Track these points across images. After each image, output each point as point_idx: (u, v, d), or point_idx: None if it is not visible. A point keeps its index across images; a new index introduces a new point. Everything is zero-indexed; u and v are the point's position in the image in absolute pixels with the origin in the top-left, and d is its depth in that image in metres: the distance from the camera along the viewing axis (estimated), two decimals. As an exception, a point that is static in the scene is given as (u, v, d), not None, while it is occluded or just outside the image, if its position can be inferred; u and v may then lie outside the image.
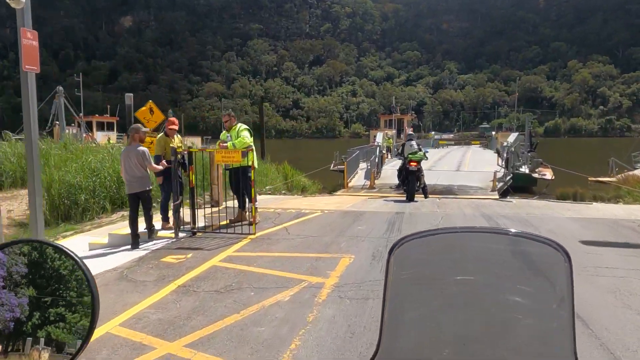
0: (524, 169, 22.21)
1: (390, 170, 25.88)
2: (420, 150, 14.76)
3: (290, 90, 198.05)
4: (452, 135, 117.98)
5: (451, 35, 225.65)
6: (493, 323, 1.26)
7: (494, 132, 59.91)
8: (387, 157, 31.07)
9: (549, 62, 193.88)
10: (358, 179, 22.05)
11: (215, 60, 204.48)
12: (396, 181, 18.02)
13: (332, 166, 26.12)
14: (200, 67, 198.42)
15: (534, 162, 24.55)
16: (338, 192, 18.77)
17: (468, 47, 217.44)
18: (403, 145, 15.59)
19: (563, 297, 1.20)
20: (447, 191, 18.08)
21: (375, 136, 30.23)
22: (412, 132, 19.56)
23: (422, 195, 15.04)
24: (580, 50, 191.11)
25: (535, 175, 22.82)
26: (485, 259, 1.32)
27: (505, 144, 24.53)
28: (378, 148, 23.44)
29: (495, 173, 19.24)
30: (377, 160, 22.60)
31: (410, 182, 14.11)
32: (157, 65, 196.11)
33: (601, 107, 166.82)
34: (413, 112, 66.36)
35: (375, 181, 20.90)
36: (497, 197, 16.20)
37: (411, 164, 13.98)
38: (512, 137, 24.77)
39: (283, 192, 18.69)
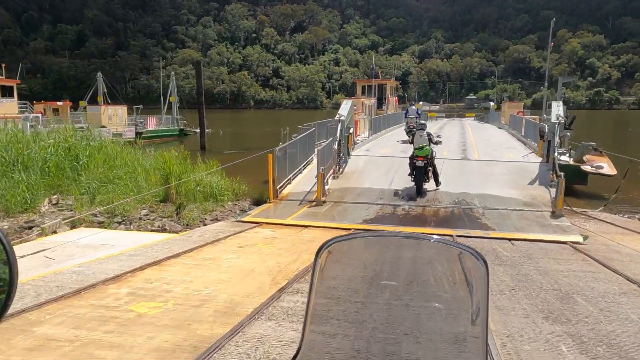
0: (565, 158, 15.76)
1: (364, 158, 19.56)
2: (431, 140, 13.87)
3: (270, 58, 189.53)
4: (437, 106, 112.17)
5: (438, 2, 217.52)
6: (411, 327, 1.32)
7: (492, 103, 53.68)
8: (359, 136, 24.74)
9: (538, 32, 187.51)
10: (306, 180, 15.37)
11: (191, 25, 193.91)
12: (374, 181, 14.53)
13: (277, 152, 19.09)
14: (174, 33, 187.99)
15: (581, 147, 18.01)
16: (255, 213, 12.36)
17: (455, 15, 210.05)
18: (414, 134, 14.54)
19: (479, 305, 1.24)
20: (463, 214, 11.90)
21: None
22: (423, 122, 16.76)
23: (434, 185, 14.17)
24: (570, 20, 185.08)
25: (587, 167, 16.61)
26: (408, 264, 1.40)
27: (554, 118, 16.45)
28: (340, 125, 16.73)
29: (554, 175, 13.10)
30: (337, 145, 16.10)
31: (417, 177, 13.55)
32: (128, 30, 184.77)
33: (590, 78, 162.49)
34: (398, 81, 59.85)
35: (331, 186, 14.62)
36: (581, 239, 9.77)
37: (418, 159, 13.42)
38: (558, 107, 17.59)
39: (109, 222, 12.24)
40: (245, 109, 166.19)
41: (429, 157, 13.49)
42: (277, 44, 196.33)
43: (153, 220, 11.56)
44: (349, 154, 19.33)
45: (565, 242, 9.37)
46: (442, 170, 17.06)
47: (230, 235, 9.53)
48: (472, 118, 54.07)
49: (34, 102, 46.78)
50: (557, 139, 15.24)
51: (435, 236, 1.34)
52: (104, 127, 37.26)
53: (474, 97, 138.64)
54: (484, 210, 12.15)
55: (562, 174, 11.69)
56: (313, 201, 12.92)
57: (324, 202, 12.94)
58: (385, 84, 39.12)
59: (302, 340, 1.28)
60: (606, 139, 42.85)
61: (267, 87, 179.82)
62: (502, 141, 26.41)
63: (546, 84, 37.47)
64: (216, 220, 11.97)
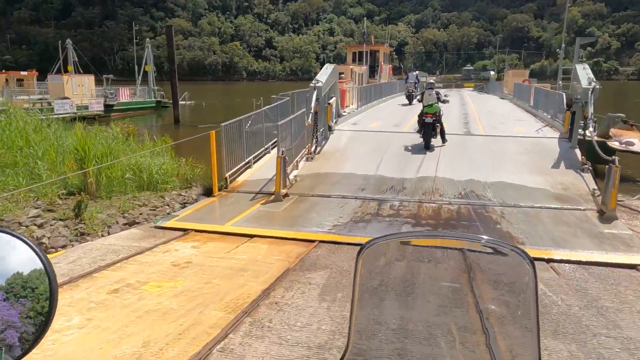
0: (588, 133, 12.43)
1: (349, 134, 16.19)
2: (439, 99, 14.19)
3: (263, 28, 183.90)
4: (434, 77, 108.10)
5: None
6: (459, 327, 1.30)
7: (492, 72, 49.91)
8: (347, 108, 21.20)
9: (537, 0, 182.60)
10: (271, 163, 11.39)
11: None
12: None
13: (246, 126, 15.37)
14: (163, 2, 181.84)
15: (607, 119, 14.53)
16: (184, 215, 9.10)
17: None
18: (422, 93, 14.81)
19: (528, 305, 1.20)
20: (474, 215, 8.80)
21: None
22: (432, 81, 17.11)
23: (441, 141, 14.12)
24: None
25: (615, 144, 13.30)
26: (453, 265, 1.34)
27: (585, 83, 12.79)
28: (316, 93, 13.38)
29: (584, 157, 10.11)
30: (311, 118, 12.78)
31: (426, 133, 13.74)
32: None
33: (589, 48, 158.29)
34: (392, 47, 55.88)
35: (301, 170, 11.36)
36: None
37: (427, 115, 13.72)
38: (586, 70, 14.02)
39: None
40: (237, 80, 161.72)
41: (437, 114, 13.80)
42: (270, 13, 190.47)
43: (41, 225, 8.23)
44: (330, 129, 15.98)
45: (637, 266, 6.14)
46: (441, 150, 13.78)
47: (124, 259, 6.24)
48: (471, 89, 50.54)
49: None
50: (591, 110, 11.87)
51: (484, 238, 1.27)
52: (66, 98, 33.60)
53: (471, 67, 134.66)
54: (503, 207, 8.87)
55: (615, 158, 8.37)
56: (271, 194, 9.61)
57: (286, 195, 9.64)
58: (378, 51, 35.38)
59: (348, 342, 1.25)
60: (609, 110, 39.40)
61: (260, 59, 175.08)
62: (508, 112, 23.07)
63: (564, 45, 33.59)
64: (132, 224, 8.68)
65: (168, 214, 9.13)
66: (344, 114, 19.37)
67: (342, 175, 11.37)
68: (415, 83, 27.05)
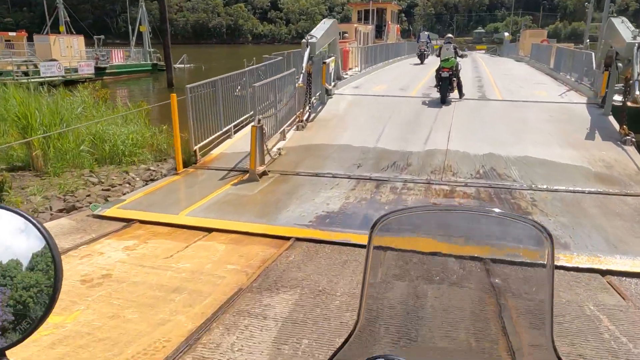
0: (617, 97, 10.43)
1: (350, 98, 14.33)
2: (457, 54, 14.15)
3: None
4: (450, 34, 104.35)
5: None
6: (474, 303, 1.27)
7: (507, 33, 47.09)
8: (350, 70, 19.22)
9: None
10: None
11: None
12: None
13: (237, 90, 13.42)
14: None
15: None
16: (134, 199, 7.24)
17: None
18: (440, 47, 14.54)
19: (543, 280, 1.17)
20: (497, 201, 7.21)
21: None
22: (450, 35, 15.73)
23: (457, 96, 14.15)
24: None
25: None
26: (468, 239, 1.32)
27: (629, 37, 10.75)
28: (308, 50, 11.49)
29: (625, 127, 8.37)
30: (302, 80, 10.96)
31: (442, 88, 13.68)
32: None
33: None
34: (400, 6, 52.95)
35: (288, 142, 9.65)
36: None
37: (444, 70, 13.65)
38: (625, 23, 11.93)
39: None
40: (243, 43, 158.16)
41: (454, 68, 13.75)
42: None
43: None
44: (328, 93, 14.11)
45: None
46: (453, 115, 11.94)
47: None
48: (483, 51, 47.92)
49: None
50: (638, 69, 9.86)
51: (497, 210, 1.21)
52: (54, 60, 31.64)
53: (482, 30, 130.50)
54: (533, 192, 7.06)
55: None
56: (246, 172, 7.85)
57: (264, 174, 7.88)
58: (385, 8, 32.90)
59: (357, 321, 1.20)
60: None
61: (265, 21, 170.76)
62: (526, 75, 21.02)
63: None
64: (70, 210, 6.97)
65: (124, 193, 7.42)
66: (345, 76, 17.44)
67: (337, 147, 9.57)
68: (427, 42, 27.00)
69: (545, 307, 1.15)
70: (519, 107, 13.03)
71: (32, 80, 27.28)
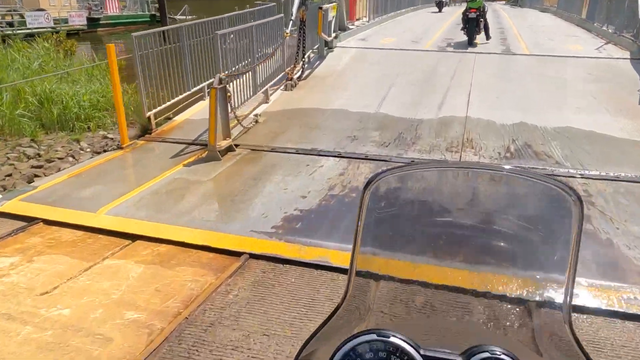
0: None
1: (354, 52, 12.41)
2: None
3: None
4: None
5: None
6: (481, 274, 1.14)
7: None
8: (357, 21, 16.98)
9: None
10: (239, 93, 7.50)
11: None
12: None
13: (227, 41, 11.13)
14: None
15: None
16: (43, 187, 5.45)
17: None
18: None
19: (565, 252, 1.03)
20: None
21: None
22: None
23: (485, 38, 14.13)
24: None
25: None
26: (478, 201, 1.20)
27: None
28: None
29: None
30: (290, 29, 9.09)
31: (470, 29, 13.43)
32: None
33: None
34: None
35: (271, 105, 8.05)
36: None
37: (471, 11, 13.35)
38: None
39: None
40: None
41: (481, 9, 13.47)
42: None
43: None
44: (328, 46, 12.15)
45: None
46: (473, 73, 10.02)
47: None
48: (504, 2, 44.79)
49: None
50: None
51: (508, 167, 1.10)
52: (41, 10, 29.52)
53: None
54: (585, 180, 5.19)
55: None
56: (205, 147, 6.06)
57: (230, 149, 6.08)
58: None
59: (346, 292, 1.10)
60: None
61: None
62: (554, 27, 18.72)
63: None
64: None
65: (60, 169, 5.70)
66: (351, 27, 15.33)
67: (329, 113, 7.73)
68: None
69: (566, 281, 1.03)
70: (551, 63, 11.00)
71: (18, 31, 25.44)
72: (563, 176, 5.25)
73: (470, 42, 13.30)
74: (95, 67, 11.12)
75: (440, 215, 1.18)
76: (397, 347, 0.87)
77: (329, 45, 12.22)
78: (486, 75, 9.93)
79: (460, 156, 5.87)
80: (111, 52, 6.13)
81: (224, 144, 5.93)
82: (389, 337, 0.87)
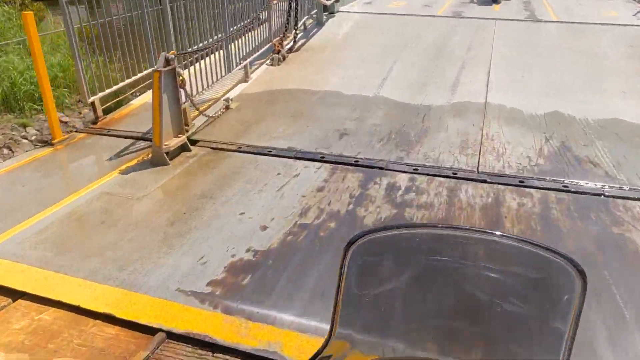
0: None
1: (357, 18, 10.93)
2: None
3: None
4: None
5: None
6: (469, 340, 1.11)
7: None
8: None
9: None
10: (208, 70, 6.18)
11: None
12: None
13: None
14: None
15: None
16: None
17: None
18: None
19: (565, 321, 0.98)
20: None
21: None
22: None
23: None
24: None
25: None
26: (470, 269, 1.11)
27: None
28: None
29: None
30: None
31: None
32: None
33: None
34: None
35: (252, 85, 7.04)
36: None
37: None
38: None
39: None
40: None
41: None
42: None
43: None
44: (328, 10, 10.68)
45: None
46: (493, 44, 8.59)
47: None
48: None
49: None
50: None
51: (500, 233, 1.05)
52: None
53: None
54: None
55: None
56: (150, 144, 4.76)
57: (184, 148, 4.77)
58: None
59: (330, 333, 1.09)
60: None
61: None
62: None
63: None
64: None
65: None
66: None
67: (319, 97, 6.36)
68: None
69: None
70: (584, 34, 9.47)
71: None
72: (619, 197, 3.88)
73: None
74: (60, 36, 9.73)
75: (428, 290, 1.10)
76: None
77: (329, 10, 10.74)
78: (508, 47, 8.46)
79: (478, 162, 4.51)
80: (28, 22, 4.77)
81: (173, 143, 4.62)
82: None
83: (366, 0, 13.26)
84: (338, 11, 11.13)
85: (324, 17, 10.50)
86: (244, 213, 3.73)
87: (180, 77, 4.68)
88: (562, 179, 4.16)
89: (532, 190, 4.01)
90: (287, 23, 8.55)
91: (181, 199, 3.96)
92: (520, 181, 4.12)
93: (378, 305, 1.14)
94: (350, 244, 1.08)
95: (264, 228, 3.53)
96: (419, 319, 1.12)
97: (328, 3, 10.47)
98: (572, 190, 4.00)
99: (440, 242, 1.11)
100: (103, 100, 6.03)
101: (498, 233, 1.06)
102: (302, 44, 8.90)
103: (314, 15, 10.33)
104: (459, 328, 1.11)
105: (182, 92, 4.80)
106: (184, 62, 6.77)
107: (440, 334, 1.12)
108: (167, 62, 4.48)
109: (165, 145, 4.52)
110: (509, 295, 1.06)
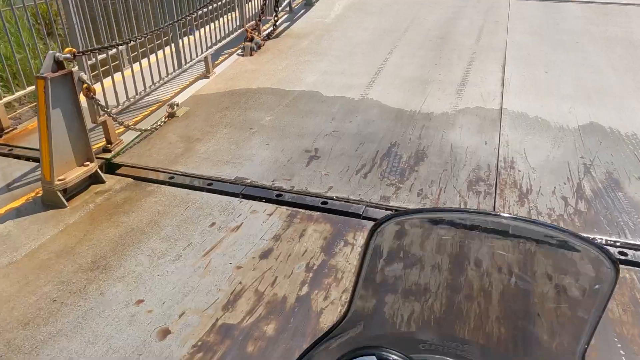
0: None
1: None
2: None
3: None
4: None
5: None
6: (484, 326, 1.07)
7: None
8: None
9: None
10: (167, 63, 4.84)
11: None
12: None
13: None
14: None
15: None
16: None
17: None
18: None
19: (591, 318, 0.95)
20: None
21: None
22: None
23: None
24: None
25: None
26: (498, 255, 1.05)
27: None
28: None
29: None
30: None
31: None
32: None
33: None
34: None
35: (213, 80, 5.59)
36: None
37: None
38: None
39: None
40: None
41: None
42: None
43: None
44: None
45: None
46: (508, 31, 7.26)
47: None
48: None
49: None
50: None
51: (532, 220, 0.96)
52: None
53: None
54: None
55: None
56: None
57: (96, 177, 3.52)
58: None
59: (348, 308, 1.05)
60: None
61: None
62: None
63: None
64: None
65: None
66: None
67: (291, 99, 5.06)
68: None
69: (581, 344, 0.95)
70: (614, 16, 8.08)
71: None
72: None
73: None
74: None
75: (453, 265, 1.07)
76: None
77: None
78: (526, 34, 7.09)
79: (494, 205, 3.24)
80: None
81: (73, 176, 3.35)
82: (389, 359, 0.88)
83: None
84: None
85: (313, -4, 9.14)
86: (142, 301, 2.48)
87: (85, 85, 3.40)
88: (615, 239, 2.88)
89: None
90: (265, 3, 7.22)
91: (57, 272, 2.71)
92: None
93: (398, 290, 1.09)
94: (376, 226, 1.00)
95: (164, 335, 2.28)
96: (443, 306, 1.08)
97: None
98: (633, 260, 2.72)
99: (469, 228, 1.04)
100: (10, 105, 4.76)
101: (530, 220, 0.98)
102: (284, 30, 7.57)
103: (302, -5, 8.97)
104: (483, 316, 1.06)
105: (94, 104, 3.51)
106: (127, 58, 5.48)
107: (464, 321, 1.07)
108: (59, 65, 3.19)
109: (59, 180, 3.26)
110: (540, 284, 1.02)
